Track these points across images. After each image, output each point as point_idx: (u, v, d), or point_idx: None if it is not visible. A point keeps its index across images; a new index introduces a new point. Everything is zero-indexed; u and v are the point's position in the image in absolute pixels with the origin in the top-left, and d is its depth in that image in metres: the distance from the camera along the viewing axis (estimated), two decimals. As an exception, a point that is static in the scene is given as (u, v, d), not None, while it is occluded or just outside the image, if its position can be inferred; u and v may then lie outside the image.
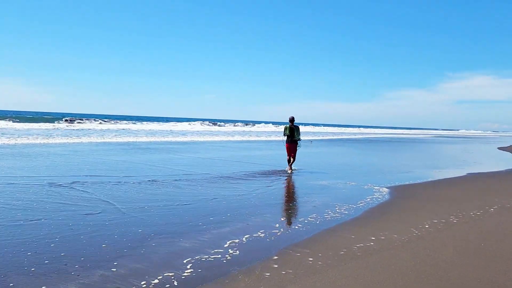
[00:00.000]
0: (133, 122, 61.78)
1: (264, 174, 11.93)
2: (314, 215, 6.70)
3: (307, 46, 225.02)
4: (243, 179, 10.63)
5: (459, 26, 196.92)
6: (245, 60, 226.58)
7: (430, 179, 11.91)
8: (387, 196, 8.77)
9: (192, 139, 30.92)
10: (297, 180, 11.20)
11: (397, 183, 10.78)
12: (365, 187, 10.02)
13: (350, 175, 12.41)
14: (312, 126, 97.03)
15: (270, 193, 8.72)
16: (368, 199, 8.32)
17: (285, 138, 13.03)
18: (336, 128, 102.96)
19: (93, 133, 32.09)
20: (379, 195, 8.91)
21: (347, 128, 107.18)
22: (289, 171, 12.41)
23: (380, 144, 35.37)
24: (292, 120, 12.89)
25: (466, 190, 9.93)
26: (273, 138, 37.88)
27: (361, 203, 7.90)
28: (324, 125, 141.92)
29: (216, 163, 14.26)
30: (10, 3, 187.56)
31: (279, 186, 9.90)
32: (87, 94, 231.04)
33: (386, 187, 10.01)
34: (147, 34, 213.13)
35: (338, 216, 6.71)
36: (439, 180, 11.96)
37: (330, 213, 6.86)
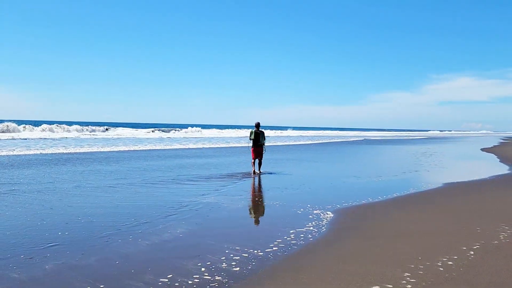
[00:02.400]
0: (110, 128, 58.13)
1: (148, 183, 9.17)
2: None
3: (292, 50, 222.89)
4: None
5: (441, 28, 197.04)
6: (230, 65, 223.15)
7: (395, 194, 9.30)
8: (324, 228, 6.07)
9: (122, 148, 27.94)
10: (203, 201, 8.40)
11: (350, 202, 8.13)
12: (301, 210, 7.33)
13: (294, 189, 9.74)
14: (292, 130, 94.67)
15: (143, 228, 5.93)
16: (291, 236, 5.60)
17: (251, 142, 13.41)
18: (321, 131, 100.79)
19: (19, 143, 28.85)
20: (313, 226, 6.21)
21: (332, 131, 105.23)
22: (254, 174, 12.89)
23: (357, 147, 32.90)
24: (257, 125, 13.47)
25: (439, 213, 7.31)
26: (229, 144, 35.28)
27: (274, 245, 5.16)
28: (309, 128, 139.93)
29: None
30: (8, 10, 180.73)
31: (173, 215, 7.12)
32: (71, 100, 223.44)
33: (332, 211, 7.34)
34: (133, 40, 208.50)
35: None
36: (408, 194, 9.36)
37: (193, 279, 4.10)
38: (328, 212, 7.18)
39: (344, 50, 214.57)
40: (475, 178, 12.54)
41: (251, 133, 13.38)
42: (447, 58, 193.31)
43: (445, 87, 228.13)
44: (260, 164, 13.30)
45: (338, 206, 7.80)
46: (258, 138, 13.25)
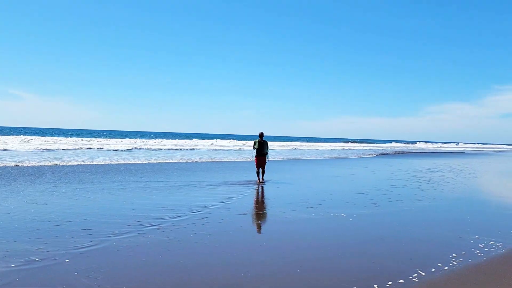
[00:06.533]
0: (142, 138, 57.44)
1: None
2: None
3: (344, 63, 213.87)
4: None
5: (502, 37, 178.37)
6: (281, 77, 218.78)
7: (426, 271, 4.73)
8: None
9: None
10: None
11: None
12: None
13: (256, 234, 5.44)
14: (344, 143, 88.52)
15: None
16: None
17: (254, 152, 13.50)
18: (370, 144, 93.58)
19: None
20: None
21: (383, 144, 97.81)
22: (259, 182, 12.95)
23: (403, 160, 27.08)
24: (261, 135, 13.56)
25: None
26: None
27: None
28: (358, 141, 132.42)
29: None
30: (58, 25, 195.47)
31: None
32: (126, 110, 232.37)
33: None
34: (183, 53, 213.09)
35: None
36: (448, 274, 4.74)
37: None
38: None
39: (400, 58, 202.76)
40: None
41: (254, 143, 13.61)
42: (511, 67, 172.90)
43: (509, 99, 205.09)
44: (263, 173, 13.50)
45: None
46: (261, 147, 13.40)
